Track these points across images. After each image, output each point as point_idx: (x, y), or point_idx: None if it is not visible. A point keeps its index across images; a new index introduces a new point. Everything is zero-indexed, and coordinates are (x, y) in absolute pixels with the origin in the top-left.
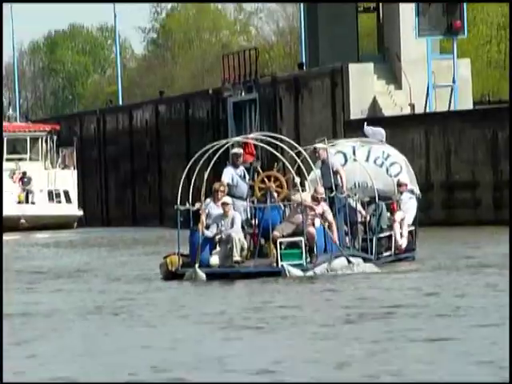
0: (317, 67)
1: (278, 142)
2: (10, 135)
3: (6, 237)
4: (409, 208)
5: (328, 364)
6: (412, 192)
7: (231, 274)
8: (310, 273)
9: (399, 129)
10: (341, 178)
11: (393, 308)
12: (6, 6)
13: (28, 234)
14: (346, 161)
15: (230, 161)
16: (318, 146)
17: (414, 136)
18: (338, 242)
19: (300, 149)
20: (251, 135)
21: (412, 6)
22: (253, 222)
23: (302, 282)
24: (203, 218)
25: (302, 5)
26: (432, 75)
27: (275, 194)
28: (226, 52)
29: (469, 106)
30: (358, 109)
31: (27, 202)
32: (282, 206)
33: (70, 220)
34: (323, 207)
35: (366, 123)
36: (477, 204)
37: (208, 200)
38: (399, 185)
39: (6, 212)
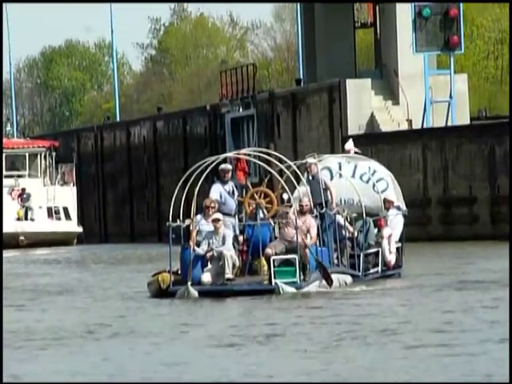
0: (314, 83)
1: (268, 157)
2: (8, 152)
3: (6, 254)
4: (396, 224)
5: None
6: (398, 208)
7: (224, 292)
8: (303, 290)
9: (397, 144)
10: (331, 194)
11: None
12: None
13: (27, 250)
14: (332, 177)
15: (218, 177)
16: (310, 160)
17: (411, 151)
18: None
19: (289, 163)
20: (243, 151)
21: (409, 21)
22: (241, 238)
23: (295, 300)
24: (194, 234)
25: (299, 20)
26: (429, 90)
27: (265, 211)
28: (223, 68)
29: (466, 121)
30: (355, 124)
31: (26, 218)
32: (271, 222)
33: (69, 237)
34: (310, 221)
35: (351, 140)
36: (474, 219)
37: (198, 216)
38: (386, 201)
39: (5, 229)
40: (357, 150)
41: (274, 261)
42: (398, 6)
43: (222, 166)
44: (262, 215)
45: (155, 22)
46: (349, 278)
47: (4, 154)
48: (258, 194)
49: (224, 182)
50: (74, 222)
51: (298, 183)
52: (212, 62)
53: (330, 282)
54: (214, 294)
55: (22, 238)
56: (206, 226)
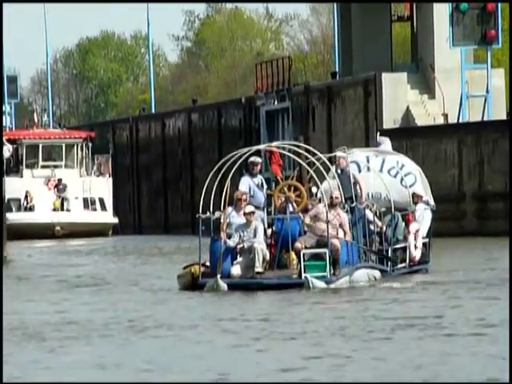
0: (350, 76)
1: (298, 150)
2: (45, 142)
3: (41, 244)
4: (423, 219)
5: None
6: (427, 203)
7: (253, 285)
8: (333, 285)
9: (432, 139)
10: (360, 189)
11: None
12: (39, 12)
13: (63, 241)
14: (359, 171)
15: (247, 169)
16: (339, 154)
17: (446, 146)
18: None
19: (320, 155)
20: (274, 143)
21: (446, 15)
22: (269, 231)
23: (325, 294)
24: (224, 226)
25: (335, 14)
26: (465, 85)
27: (294, 204)
28: (258, 60)
29: (502, 116)
30: (390, 118)
31: (62, 209)
32: (301, 216)
33: (105, 228)
34: (342, 216)
35: (378, 134)
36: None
37: (229, 209)
38: (414, 196)
39: (42, 219)
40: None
41: (303, 255)
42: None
43: (252, 158)
44: (291, 209)
45: (190, 14)
46: (378, 273)
47: (41, 145)
48: (288, 188)
49: (253, 175)
50: (109, 212)
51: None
52: (247, 55)
53: None
54: (244, 288)
55: (57, 228)
56: (236, 218)
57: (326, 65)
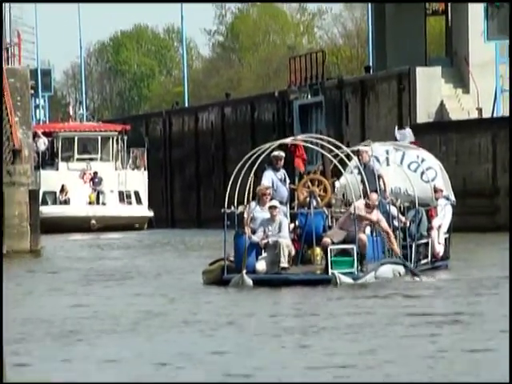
0: (384, 70)
1: (322, 143)
2: (81, 135)
3: (76, 237)
4: (445, 215)
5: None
6: (447, 198)
7: (279, 281)
8: (360, 281)
9: (466, 133)
10: (384, 183)
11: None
12: (73, 6)
13: (98, 234)
14: (379, 165)
15: (270, 163)
16: (362, 148)
17: (480, 140)
18: (398, 252)
19: (345, 148)
20: (299, 137)
21: (481, 9)
22: (291, 226)
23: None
24: (248, 221)
25: (369, 8)
26: (500, 79)
27: (319, 199)
28: (291, 54)
29: None
30: (424, 112)
31: (98, 202)
32: (325, 211)
33: (140, 221)
34: (377, 215)
35: (396, 128)
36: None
37: (253, 203)
38: (435, 191)
39: (77, 213)
40: (402, 131)
41: (331, 250)
42: None
43: (275, 152)
44: (314, 203)
45: (221, 7)
46: (402, 269)
47: (76, 137)
48: (312, 182)
49: (276, 169)
50: (144, 206)
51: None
52: (280, 48)
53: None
54: (269, 283)
55: (93, 221)
56: (260, 213)
57: (359, 59)
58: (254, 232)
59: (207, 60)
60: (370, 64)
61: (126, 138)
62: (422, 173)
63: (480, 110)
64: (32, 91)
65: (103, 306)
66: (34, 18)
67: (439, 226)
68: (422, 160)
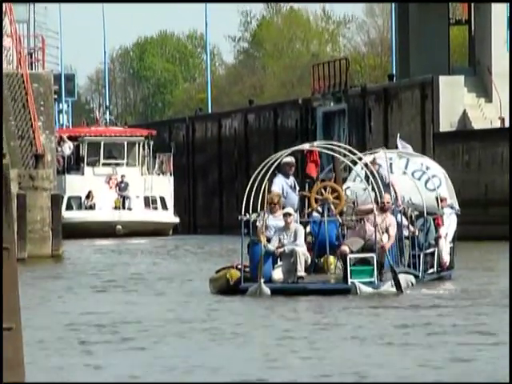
0: (407, 79)
1: (333, 150)
2: (107, 139)
3: (101, 242)
4: (450, 224)
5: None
6: (452, 207)
7: (297, 290)
8: (379, 290)
9: (489, 142)
10: (395, 191)
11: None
12: (97, 11)
13: (123, 240)
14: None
15: (280, 170)
16: (371, 156)
17: (503, 149)
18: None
19: (359, 155)
20: (315, 143)
21: (504, 18)
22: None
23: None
24: (263, 229)
25: (393, 16)
26: None
27: (332, 207)
28: (315, 61)
29: None
30: (447, 121)
31: (124, 207)
32: (339, 219)
33: (166, 227)
34: (390, 220)
35: (399, 135)
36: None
37: (266, 212)
38: (440, 199)
39: (103, 217)
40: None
41: (350, 259)
42: (494, 3)
43: (288, 159)
44: (329, 212)
45: (246, 15)
46: (413, 278)
47: (102, 142)
48: (325, 189)
49: (286, 176)
50: (170, 212)
51: (367, 179)
52: (304, 56)
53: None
54: (287, 293)
55: (119, 227)
56: (273, 220)
57: (383, 67)
58: (268, 240)
59: (231, 67)
60: (394, 72)
61: (151, 143)
62: (427, 181)
63: (502, 120)
64: (55, 96)
65: (114, 313)
66: (58, 22)
67: (446, 235)
68: (427, 168)
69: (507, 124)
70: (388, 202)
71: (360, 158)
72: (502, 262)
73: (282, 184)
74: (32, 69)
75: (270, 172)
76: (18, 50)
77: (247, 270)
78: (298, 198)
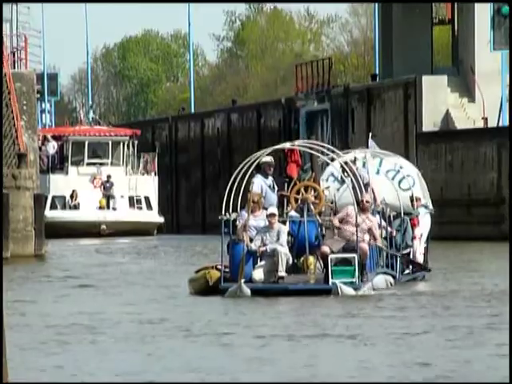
0: (390, 79)
1: (321, 148)
2: (92, 139)
3: (86, 242)
4: (424, 224)
5: None
6: (426, 207)
7: (278, 290)
8: (361, 292)
9: (472, 142)
10: (373, 191)
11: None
12: (80, 10)
13: (108, 239)
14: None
15: (259, 170)
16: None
17: (486, 150)
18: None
19: (339, 153)
20: (297, 142)
21: (487, 19)
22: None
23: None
24: (246, 229)
25: (376, 16)
26: (506, 89)
27: (312, 207)
28: (298, 61)
29: None
30: (430, 121)
31: (108, 207)
32: (318, 219)
33: (150, 227)
34: (371, 220)
35: (370, 135)
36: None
37: (243, 211)
38: (413, 199)
39: (87, 217)
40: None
41: (331, 259)
42: (477, 3)
43: (267, 159)
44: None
45: (231, 14)
46: (392, 279)
47: (87, 142)
48: (305, 189)
49: (265, 176)
50: (155, 211)
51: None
52: (287, 56)
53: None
54: (268, 293)
55: (103, 226)
56: (253, 220)
57: (366, 67)
58: (250, 240)
59: (214, 67)
60: (377, 72)
61: (136, 142)
62: (400, 181)
63: (486, 120)
64: (38, 95)
65: (96, 313)
66: (40, 22)
67: (421, 236)
68: (400, 167)
69: (490, 124)
70: (368, 202)
71: (339, 157)
72: (486, 262)
73: (260, 184)
74: (14, 68)
75: (249, 172)
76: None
77: (227, 270)
78: (276, 198)
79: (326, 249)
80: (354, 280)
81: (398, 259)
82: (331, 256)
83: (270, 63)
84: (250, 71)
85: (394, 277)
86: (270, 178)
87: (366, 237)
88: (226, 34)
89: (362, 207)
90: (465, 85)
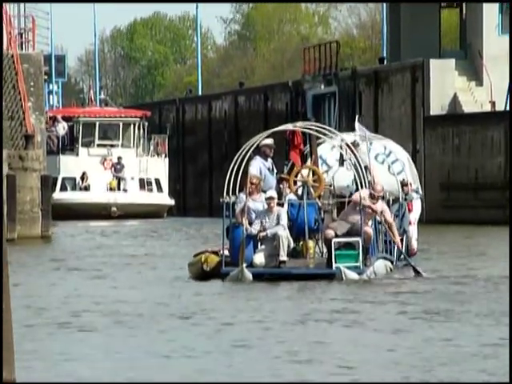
0: (398, 62)
1: (323, 130)
2: (102, 120)
3: (96, 223)
4: (416, 209)
5: None
6: (416, 192)
7: (281, 275)
8: (364, 276)
9: (479, 126)
10: (372, 176)
11: None
12: None
13: (118, 222)
14: (343, 158)
15: (258, 152)
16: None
17: (493, 133)
18: (399, 245)
19: (341, 135)
20: (298, 123)
21: (495, 2)
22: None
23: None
24: (245, 213)
25: None
26: None
27: (312, 190)
28: (306, 44)
29: None
30: (438, 105)
31: (119, 189)
32: (318, 202)
33: (161, 209)
34: (382, 206)
35: (357, 117)
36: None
37: (241, 194)
38: (405, 184)
39: (97, 199)
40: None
41: (334, 243)
42: None
43: (267, 141)
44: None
45: None
46: (390, 264)
47: (97, 123)
48: (307, 172)
49: (265, 158)
50: (165, 194)
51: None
52: (295, 38)
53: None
54: (270, 278)
55: (114, 208)
56: (252, 204)
57: (373, 50)
58: (250, 224)
59: (221, 49)
60: (384, 55)
61: (146, 124)
62: (389, 165)
63: (493, 103)
64: (45, 77)
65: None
66: (48, 3)
67: (415, 221)
68: (390, 152)
69: (498, 108)
70: (379, 193)
71: (338, 139)
72: (493, 247)
73: (259, 166)
74: (22, 49)
75: (248, 154)
76: (8, 30)
77: (225, 253)
78: (275, 180)
79: (330, 232)
80: (357, 264)
81: (397, 244)
82: (335, 240)
83: (277, 46)
84: (257, 54)
85: (391, 262)
86: (270, 161)
87: (370, 222)
88: (233, 17)
89: (372, 197)
90: (473, 68)
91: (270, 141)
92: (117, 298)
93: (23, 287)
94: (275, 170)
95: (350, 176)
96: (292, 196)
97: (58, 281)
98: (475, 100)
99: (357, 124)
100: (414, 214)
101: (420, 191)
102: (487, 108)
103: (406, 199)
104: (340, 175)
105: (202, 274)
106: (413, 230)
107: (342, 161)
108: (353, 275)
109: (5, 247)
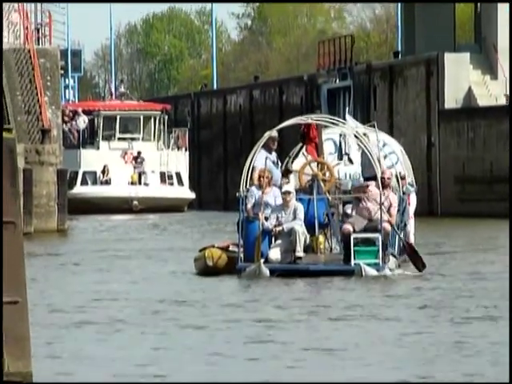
0: (412, 56)
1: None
2: (123, 113)
3: (117, 217)
4: (412, 203)
5: None
6: (411, 185)
7: (298, 271)
8: (382, 273)
9: (494, 119)
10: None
11: None
12: None
13: (139, 216)
14: (336, 150)
15: (264, 145)
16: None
17: (508, 127)
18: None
19: (353, 126)
20: (312, 116)
21: None
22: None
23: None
24: (261, 208)
25: None
26: None
27: (322, 184)
28: (321, 38)
29: None
30: (452, 98)
31: (140, 183)
32: (328, 197)
33: (181, 203)
34: (392, 198)
35: (347, 110)
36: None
37: (253, 188)
38: (401, 178)
39: (118, 193)
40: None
41: (353, 239)
42: None
43: (273, 133)
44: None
45: None
46: (395, 259)
47: (118, 116)
48: (317, 166)
49: (269, 151)
50: (186, 187)
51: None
52: (310, 32)
53: (420, 265)
54: (287, 274)
55: (135, 202)
56: (264, 197)
57: (388, 44)
58: (266, 219)
59: (236, 43)
60: (399, 49)
61: (166, 117)
62: (384, 158)
63: (508, 97)
64: (62, 71)
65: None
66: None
67: (413, 215)
68: (384, 144)
69: None
70: (389, 178)
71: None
72: (503, 240)
73: (264, 159)
74: (39, 44)
75: (256, 148)
76: (25, 25)
77: (231, 248)
78: (280, 174)
79: (348, 227)
80: (377, 261)
81: (397, 239)
82: (353, 235)
83: (291, 40)
84: (271, 48)
85: (395, 257)
86: (274, 154)
87: (386, 216)
88: (245, 11)
89: (382, 183)
90: (487, 62)
91: (274, 133)
92: (145, 293)
93: (38, 281)
94: (279, 164)
95: (348, 170)
96: (288, 187)
97: (71, 276)
98: (490, 93)
99: (348, 116)
100: (411, 208)
101: (414, 184)
102: (502, 101)
103: (403, 193)
104: (340, 169)
105: (205, 269)
106: (411, 225)
107: (340, 155)
108: (372, 272)
109: (21, 241)
